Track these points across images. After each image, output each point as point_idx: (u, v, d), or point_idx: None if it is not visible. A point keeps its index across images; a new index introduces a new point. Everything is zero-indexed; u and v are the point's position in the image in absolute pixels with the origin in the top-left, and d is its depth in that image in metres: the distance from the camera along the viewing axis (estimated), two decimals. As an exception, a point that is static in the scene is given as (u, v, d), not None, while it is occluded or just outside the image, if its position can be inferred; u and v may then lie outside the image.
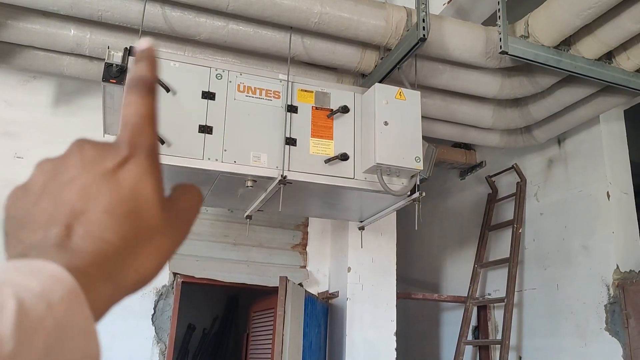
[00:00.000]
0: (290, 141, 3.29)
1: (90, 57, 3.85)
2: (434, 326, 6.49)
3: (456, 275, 6.19)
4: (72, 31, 3.60)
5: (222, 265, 4.73)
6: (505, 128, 4.80)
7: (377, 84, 3.44)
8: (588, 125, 4.70)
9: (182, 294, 4.59)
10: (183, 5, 3.42)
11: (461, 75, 4.03)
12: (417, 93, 3.47)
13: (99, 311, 0.38)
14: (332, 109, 3.45)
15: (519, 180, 5.41)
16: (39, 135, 4.44)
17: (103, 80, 3.13)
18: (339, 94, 3.52)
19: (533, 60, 3.61)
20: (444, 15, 3.92)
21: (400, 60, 3.60)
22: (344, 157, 3.34)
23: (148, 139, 0.44)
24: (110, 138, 3.70)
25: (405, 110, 3.38)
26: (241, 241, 4.85)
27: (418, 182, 3.42)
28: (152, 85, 0.46)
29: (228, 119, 3.22)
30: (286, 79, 3.43)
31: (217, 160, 3.11)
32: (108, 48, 3.23)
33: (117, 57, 3.17)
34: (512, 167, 5.44)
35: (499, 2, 3.57)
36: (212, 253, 4.75)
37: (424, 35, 3.36)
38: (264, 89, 3.36)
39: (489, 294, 5.62)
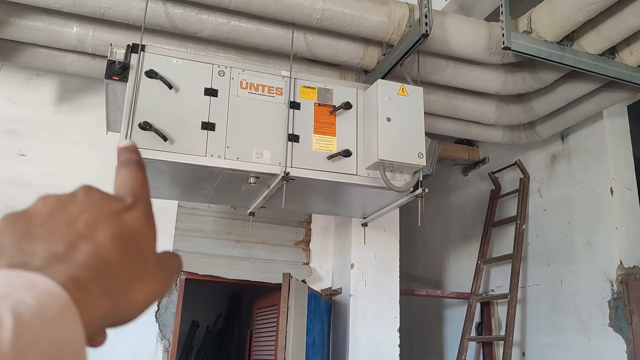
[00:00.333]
0: (293, 138, 3.29)
1: (93, 55, 3.85)
2: (437, 323, 6.50)
3: (459, 272, 6.19)
4: (75, 29, 3.60)
5: (226, 262, 4.74)
6: (508, 124, 4.80)
7: (379, 80, 3.43)
8: (591, 121, 4.69)
9: (185, 291, 4.60)
10: (185, 2, 3.42)
11: (464, 71, 4.02)
12: (420, 89, 3.47)
13: (91, 329, 0.38)
14: (334, 105, 3.45)
15: (522, 176, 5.40)
16: (42, 133, 4.45)
17: (106, 78, 3.13)
18: (342, 90, 3.52)
19: (536, 56, 3.60)
20: (447, 11, 3.91)
21: (403, 57, 3.59)
22: (346, 153, 3.33)
23: (146, 197, 0.48)
24: (113, 135, 3.71)
25: (407, 107, 3.38)
26: (244, 238, 4.86)
27: (421, 179, 3.42)
28: (141, 164, 0.51)
29: (231, 116, 3.22)
30: (289, 75, 3.42)
31: (219, 157, 3.12)
32: (111, 45, 3.23)
33: (119, 54, 3.16)
34: (515, 163, 5.43)
35: (501, -2, 3.57)
36: (216, 250, 4.76)
37: (426, 31, 3.36)
38: (266, 86, 3.36)
39: (492, 290, 5.62)
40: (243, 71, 3.35)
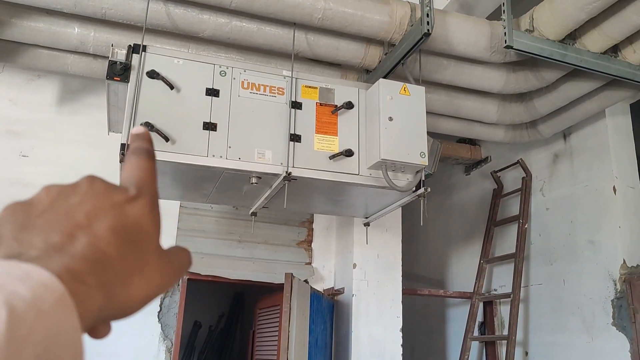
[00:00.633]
0: (295, 137, 3.28)
1: (94, 55, 3.85)
2: (440, 322, 6.49)
3: (462, 271, 6.18)
4: (76, 29, 3.60)
5: (228, 262, 4.73)
6: (510, 123, 4.79)
7: (381, 79, 3.43)
8: (594, 120, 4.68)
9: (188, 291, 4.60)
10: (186, 2, 3.42)
11: (466, 70, 4.01)
12: (422, 88, 3.46)
13: (87, 321, 0.38)
14: (336, 105, 3.44)
15: (525, 175, 5.39)
16: (44, 134, 4.45)
17: (107, 78, 3.13)
18: (343, 89, 3.51)
19: (538, 55, 3.59)
20: (448, 10, 3.90)
21: (405, 56, 3.58)
22: (348, 153, 3.33)
23: (152, 188, 0.47)
24: (114, 136, 3.71)
25: (409, 106, 3.37)
26: (246, 238, 4.85)
27: (423, 178, 3.41)
28: (151, 153, 0.50)
29: (232, 116, 3.21)
30: (290, 75, 3.42)
31: (221, 157, 3.11)
32: (112, 46, 3.23)
33: (120, 55, 3.16)
34: (518, 162, 5.42)
35: (503, -4, 3.56)
36: (218, 250, 4.76)
37: (428, 30, 3.35)
38: (268, 86, 3.36)
39: (495, 290, 5.61)
40: (244, 71, 3.35)
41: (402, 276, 4.90)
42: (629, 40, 3.62)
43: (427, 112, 3.45)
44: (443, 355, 6.31)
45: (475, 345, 5.64)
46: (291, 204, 3.47)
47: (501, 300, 5.49)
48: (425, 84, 3.72)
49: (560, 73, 3.98)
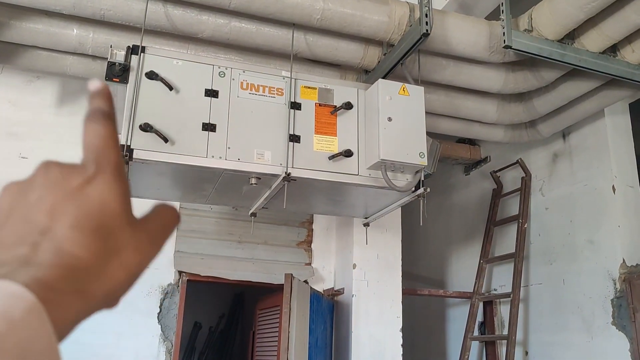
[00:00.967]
0: (294, 138, 3.28)
1: (93, 57, 3.85)
2: (440, 322, 6.49)
3: (462, 271, 6.18)
4: (75, 30, 3.60)
5: (228, 263, 4.74)
6: (509, 123, 4.79)
7: (380, 79, 3.43)
8: (593, 119, 4.68)
9: (187, 292, 4.60)
10: (185, 3, 3.42)
11: (465, 70, 4.01)
12: (421, 88, 3.46)
13: (66, 326, 0.38)
14: (335, 106, 3.44)
15: (524, 175, 5.39)
16: (44, 136, 4.45)
17: (106, 79, 3.12)
18: (343, 90, 3.51)
19: (537, 54, 3.60)
20: (447, 10, 3.91)
21: (404, 56, 3.58)
22: (348, 153, 3.33)
23: (113, 157, 0.44)
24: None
25: (408, 106, 3.37)
26: (246, 239, 4.85)
27: (422, 178, 3.41)
28: (110, 114, 0.46)
29: (231, 117, 3.21)
30: (289, 75, 3.42)
31: (220, 157, 3.11)
32: (111, 47, 3.23)
33: (119, 56, 3.16)
34: (517, 162, 5.42)
35: (502, -4, 3.56)
36: (218, 251, 4.76)
37: (427, 30, 3.35)
38: (267, 86, 3.36)
39: (495, 290, 5.61)
40: (243, 72, 3.35)
41: (402, 276, 4.90)
42: (628, 39, 3.62)
43: (426, 112, 3.45)
44: (443, 355, 6.31)
45: (475, 345, 5.64)
46: (291, 204, 3.47)
47: (501, 300, 5.49)
48: (424, 84, 3.72)
49: (559, 73, 3.98)
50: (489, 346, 5.57)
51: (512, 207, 5.55)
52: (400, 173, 3.37)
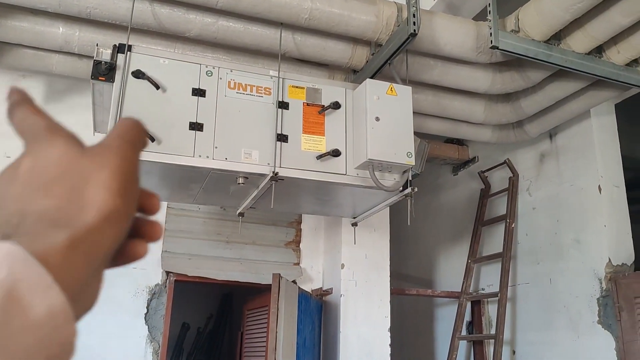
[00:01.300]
0: (282, 137, 3.28)
1: (80, 55, 3.82)
2: (428, 322, 6.50)
3: (450, 271, 6.20)
4: (61, 29, 3.57)
5: (215, 263, 4.72)
6: (497, 123, 4.81)
7: (368, 79, 3.43)
8: (579, 120, 4.72)
9: (175, 292, 4.57)
10: (172, 2, 3.41)
11: (452, 70, 4.03)
12: (409, 88, 3.47)
13: (72, 280, 0.37)
14: (323, 105, 3.44)
15: (512, 175, 5.42)
16: (29, 135, 4.41)
17: (92, 78, 3.10)
18: (330, 90, 3.51)
19: (523, 55, 3.61)
20: (435, 11, 3.92)
21: (391, 56, 3.59)
22: (335, 153, 3.33)
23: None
24: (100, 136, 3.68)
25: (396, 106, 3.37)
26: (234, 239, 4.84)
27: (410, 178, 3.41)
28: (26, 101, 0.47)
29: (219, 116, 3.20)
30: (277, 75, 3.41)
31: (208, 157, 3.10)
32: (97, 45, 3.20)
33: (106, 55, 3.14)
34: (505, 162, 5.45)
35: (489, -3, 3.57)
36: (205, 251, 4.74)
37: (414, 30, 3.36)
38: (254, 86, 3.35)
39: (483, 289, 5.63)
40: (231, 71, 3.34)
41: (390, 276, 4.90)
42: (613, 40, 3.65)
43: (414, 112, 3.45)
44: (431, 355, 6.33)
45: (463, 345, 5.66)
46: (278, 204, 3.46)
47: (489, 299, 5.52)
48: (412, 84, 3.73)
49: (546, 73, 4.01)
50: (477, 345, 5.59)
51: (500, 207, 5.58)
52: (388, 173, 3.37)
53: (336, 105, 3.44)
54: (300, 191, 3.58)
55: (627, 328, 4.01)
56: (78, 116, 4.46)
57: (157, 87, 3.12)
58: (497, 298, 5.06)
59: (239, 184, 3.23)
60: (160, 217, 4.61)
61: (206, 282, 4.71)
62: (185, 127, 3.11)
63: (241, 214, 3.86)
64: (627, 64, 3.81)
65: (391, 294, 4.87)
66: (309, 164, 3.30)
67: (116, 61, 3.12)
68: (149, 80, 3.11)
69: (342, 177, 3.35)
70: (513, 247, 5.25)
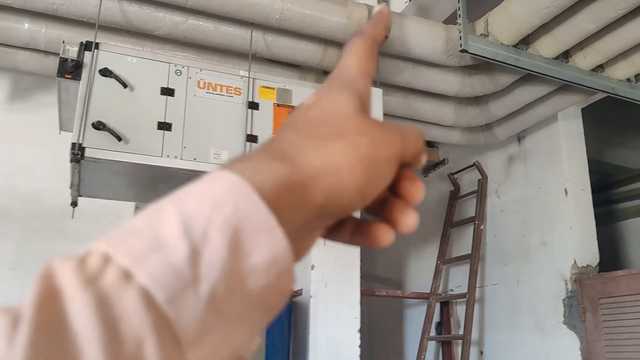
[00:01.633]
0: (252, 138, 3.26)
1: (46, 52, 3.75)
2: (397, 322, 6.54)
3: (419, 272, 6.24)
4: (27, 25, 3.49)
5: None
6: (466, 126, 4.86)
7: (338, 81, 3.43)
8: (546, 123, 4.79)
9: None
10: (141, 0, 3.36)
11: (423, 73, 4.05)
12: (379, 90, 3.48)
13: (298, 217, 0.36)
14: (294, 106, 3.42)
15: (481, 177, 5.48)
16: (-7, 132, 4.32)
17: (58, 76, 3.05)
18: (301, 91, 3.50)
19: (492, 59, 3.65)
20: (406, 13, 3.94)
21: (362, 58, 3.59)
22: (305, 154, 3.32)
23: (350, 68, 0.45)
24: (66, 135, 3.61)
25: (366, 108, 3.38)
26: (203, 240, 4.79)
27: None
28: (374, 36, 0.48)
29: (188, 116, 3.17)
30: (247, 75, 3.39)
31: (176, 157, 3.07)
32: (63, 42, 3.15)
33: (72, 52, 3.08)
34: (474, 164, 5.50)
35: (459, 1, 3.61)
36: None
37: (385, 33, 3.36)
38: (224, 86, 3.32)
39: (452, 290, 5.68)
40: (201, 70, 3.30)
41: (360, 277, 4.91)
42: (580, 46, 3.71)
43: (384, 114, 3.47)
44: (400, 355, 6.36)
45: (432, 345, 5.70)
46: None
47: (457, 300, 5.57)
48: (382, 86, 3.75)
49: (514, 77, 4.06)
50: (445, 346, 5.64)
51: (469, 208, 5.63)
52: (357, 174, 3.38)
53: (307, 107, 3.43)
54: (270, 192, 3.56)
55: (591, 328, 4.09)
56: (44, 114, 4.39)
57: (125, 85, 3.08)
58: (465, 299, 5.11)
59: (207, 184, 3.20)
60: (128, 217, 4.56)
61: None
62: (153, 127, 3.07)
63: (210, 215, 3.82)
64: (593, 69, 3.87)
65: (361, 295, 4.88)
66: (279, 165, 3.28)
67: (83, 59, 3.06)
68: (116, 79, 3.07)
69: (312, 179, 3.33)
70: (482, 248, 5.31)
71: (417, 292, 5.96)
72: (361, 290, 4.91)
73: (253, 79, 3.40)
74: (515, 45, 3.68)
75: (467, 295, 5.08)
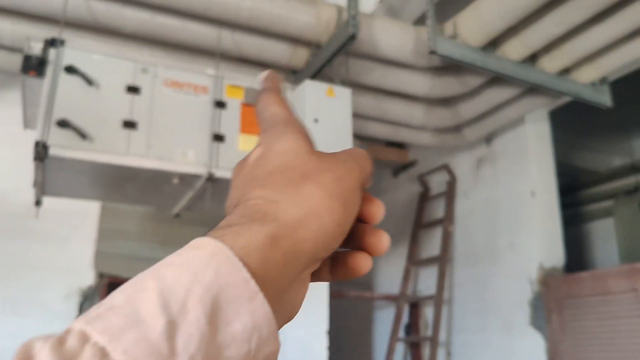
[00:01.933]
0: (219, 137, 3.23)
1: (12, 49, 3.66)
2: (367, 324, 6.55)
3: (389, 273, 6.26)
4: (-10, 20, 3.42)
5: (150, 265, 4.58)
6: (436, 127, 4.89)
7: (307, 80, 3.43)
8: (514, 126, 4.84)
9: (108, 295, 4.44)
10: (107, -4, 3.31)
11: (392, 73, 4.07)
12: (348, 91, 3.49)
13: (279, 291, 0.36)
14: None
15: (450, 179, 5.52)
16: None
17: (22, 73, 2.99)
18: (270, 90, 3.48)
19: (461, 60, 3.68)
20: (375, 14, 3.95)
21: (331, 58, 3.59)
22: (273, 154, 3.30)
23: (274, 111, 0.48)
24: (30, 133, 3.54)
25: (335, 108, 3.38)
26: (171, 240, 4.74)
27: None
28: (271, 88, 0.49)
29: (154, 114, 3.13)
30: (215, 74, 3.37)
31: (142, 156, 3.03)
32: (28, 39, 3.09)
33: (37, 49, 3.03)
34: (443, 166, 5.54)
35: (428, 3, 3.63)
36: (140, 252, 4.63)
37: (353, 33, 3.37)
38: (191, 84, 3.29)
39: (421, 292, 5.71)
40: (168, 69, 3.27)
41: (329, 278, 4.90)
42: (546, 49, 3.76)
43: (354, 115, 3.47)
44: (369, 357, 6.37)
45: (401, 347, 5.72)
46: (216, 205, 3.41)
47: (426, 302, 5.59)
48: (352, 86, 3.75)
49: (483, 79, 4.10)
50: (414, 347, 5.66)
51: (439, 210, 5.66)
52: (326, 175, 3.37)
53: (275, 106, 3.41)
54: (238, 192, 3.54)
55: (556, 329, 4.14)
56: (9, 111, 4.30)
57: (90, 83, 3.03)
58: (434, 300, 5.14)
59: (174, 184, 3.17)
60: (93, 217, 4.49)
61: (142, 285, 4.59)
62: (118, 125, 3.03)
63: (177, 215, 3.78)
64: (559, 73, 3.93)
65: (330, 296, 4.87)
66: (247, 164, 3.26)
67: (47, 56, 3.01)
68: (82, 76, 3.01)
69: (280, 179, 3.32)
70: (450, 250, 5.34)
71: (386, 293, 5.98)
72: (330, 292, 4.90)
73: (221, 77, 3.38)
74: (484, 48, 3.72)
75: (435, 297, 5.11)
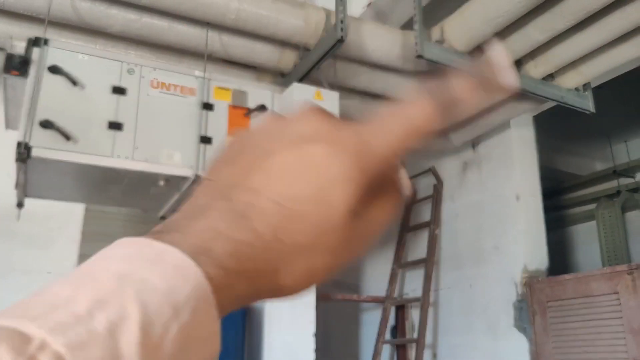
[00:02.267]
0: (206, 139, 3.22)
1: (-6, 48, 3.62)
2: (353, 326, 6.55)
3: (376, 276, 6.26)
4: (-28, 19, 3.37)
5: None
6: (422, 131, 4.89)
7: (295, 83, 3.42)
8: (500, 130, 4.87)
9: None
10: (93, -4, 3.28)
11: (380, 77, 4.07)
12: (336, 94, 3.49)
13: (224, 309, 0.33)
14: (249, 108, 3.40)
15: (436, 182, 5.54)
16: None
17: (4, 72, 2.95)
18: (257, 92, 3.48)
19: (447, 65, 3.70)
20: (363, 18, 3.96)
21: (319, 61, 3.59)
22: (260, 156, 3.29)
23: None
24: (12, 133, 3.50)
25: (322, 111, 3.37)
26: (156, 242, 4.71)
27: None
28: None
29: (140, 116, 3.11)
30: (202, 75, 3.35)
31: (127, 158, 3.00)
32: (11, 38, 3.05)
33: (20, 48, 2.99)
34: (430, 169, 5.56)
35: (415, 8, 3.64)
36: (125, 255, 4.59)
37: (342, 36, 3.37)
38: (178, 86, 3.28)
39: (407, 294, 5.72)
40: (154, 70, 3.25)
41: (315, 281, 4.89)
42: (531, 55, 3.79)
43: (341, 118, 3.46)
44: (356, 359, 6.37)
45: (387, 349, 5.73)
46: (202, 207, 3.38)
47: (412, 304, 5.61)
48: (340, 89, 3.75)
49: (469, 84, 4.11)
50: (400, 349, 5.67)
51: (425, 213, 5.68)
52: (312, 177, 3.37)
53: (262, 109, 3.41)
54: (224, 194, 3.52)
55: (540, 331, 4.17)
56: (-9, 111, 4.24)
57: (75, 83, 3.00)
58: (420, 302, 5.15)
59: (160, 186, 3.15)
60: (77, 219, 4.45)
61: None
62: (103, 126, 3.01)
63: (163, 217, 3.75)
64: (544, 78, 3.96)
65: (317, 299, 4.87)
66: (233, 167, 3.25)
67: (31, 55, 2.98)
68: (66, 76, 2.99)
69: (267, 181, 3.31)
70: (437, 252, 5.36)
71: (372, 296, 5.99)
72: (317, 295, 4.89)
73: (208, 79, 3.36)
74: (470, 52, 3.74)
75: (421, 299, 5.12)
